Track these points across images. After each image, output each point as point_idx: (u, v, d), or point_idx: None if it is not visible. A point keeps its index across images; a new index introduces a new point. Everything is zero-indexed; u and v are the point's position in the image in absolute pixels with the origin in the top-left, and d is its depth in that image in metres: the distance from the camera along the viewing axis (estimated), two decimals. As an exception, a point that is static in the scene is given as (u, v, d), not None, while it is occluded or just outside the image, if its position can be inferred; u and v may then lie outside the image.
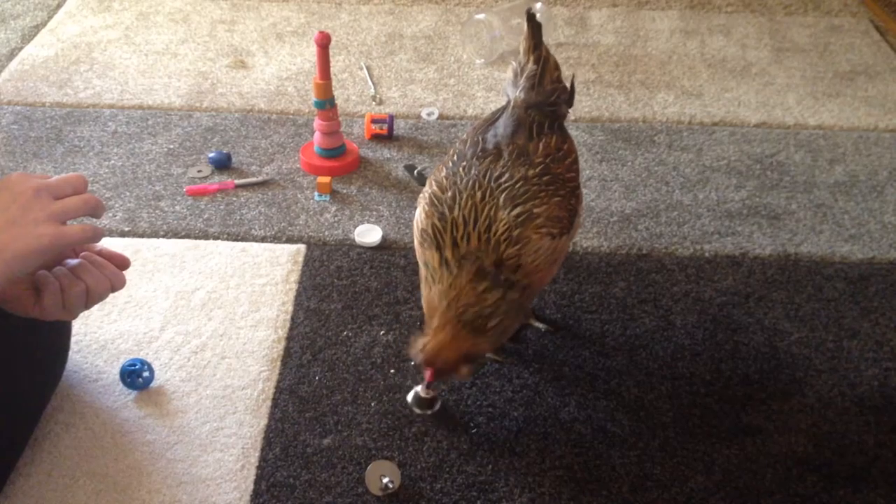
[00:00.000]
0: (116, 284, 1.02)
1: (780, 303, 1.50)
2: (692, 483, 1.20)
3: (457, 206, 1.15)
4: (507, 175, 1.18)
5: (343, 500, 1.15)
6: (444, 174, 1.21)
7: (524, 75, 1.31)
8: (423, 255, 1.19)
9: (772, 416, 1.29)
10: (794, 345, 1.42)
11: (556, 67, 1.35)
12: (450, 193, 1.17)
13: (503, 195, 1.15)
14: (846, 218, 1.71)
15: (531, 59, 1.32)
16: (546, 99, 1.30)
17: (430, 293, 1.16)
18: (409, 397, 1.28)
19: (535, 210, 1.16)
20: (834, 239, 1.65)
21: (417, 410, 1.27)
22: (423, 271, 1.19)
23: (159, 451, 1.21)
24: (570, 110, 1.37)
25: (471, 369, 1.18)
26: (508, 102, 1.31)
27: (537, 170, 1.19)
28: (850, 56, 2.30)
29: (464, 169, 1.20)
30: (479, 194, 1.16)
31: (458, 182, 1.18)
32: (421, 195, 1.24)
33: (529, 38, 1.33)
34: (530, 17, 1.34)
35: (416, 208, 1.24)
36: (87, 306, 1.00)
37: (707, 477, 1.20)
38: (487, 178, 1.17)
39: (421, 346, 1.16)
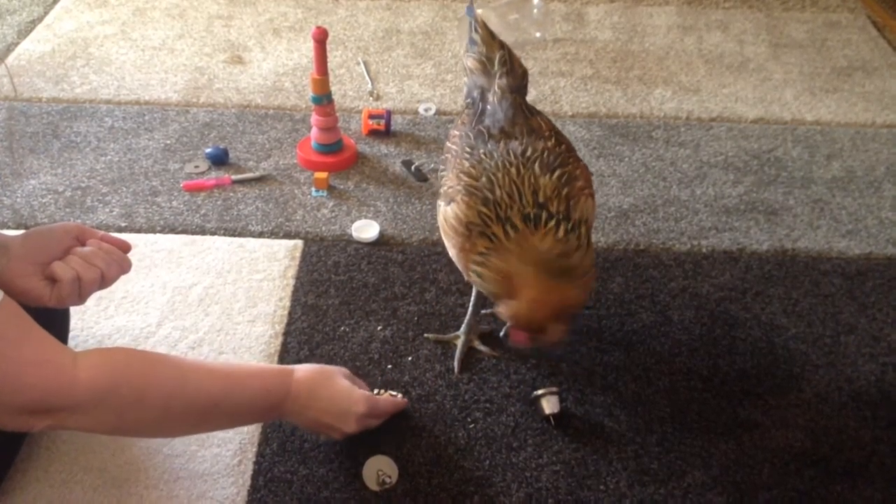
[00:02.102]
0: (125, 267, 1.10)
1: (778, 298, 1.50)
2: (690, 478, 1.20)
3: (497, 188, 1.14)
4: (530, 149, 1.17)
5: (340, 495, 1.15)
6: (468, 164, 1.19)
7: (497, 62, 1.31)
8: (468, 249, 1.16)
9: (769, 411, 1.30)
10: (792, 340, 1.42)
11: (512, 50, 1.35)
12: (484, 178, 1.15)
13: (536, 164, 1.15)
14: (843, 213, 1.71)
15: (495, 46, 1.32)
16: (521, 81, 1.31)
17: (495, 264, 1.13)
18: (546, 407, 1.26)
19: (575, 173, 1.17)
20: (831, 234, 1.65)
21: (547, 412, 1.26)
22: (466, 266, 1.18)
23: (156, 447, 1.20)
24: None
25: (564, 328, 1.16)
26: (487, 91, 1.29)
27: (553, 141, 1.20)
28: (847, 52, 2.30)
29: (485, 154, 1.18)
30: (513, 170, 1.15)
31: (488, 167, 1.16)
32: (450, 190, 1.20)
33: (483, 27, 1.33)
34: (473, 11, 1.35)
35: (446, 205, 1.20)
36: (100, 288, 1.07)
37: (704, 472, 1.21)
38: (513, 155, 1.17)
39: (511, 310, 1.13)
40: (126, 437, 1.20)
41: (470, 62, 1.34)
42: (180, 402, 1.02)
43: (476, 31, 1.33)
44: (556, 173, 1.15)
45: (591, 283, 1.17)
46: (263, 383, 1.11)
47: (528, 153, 1.16)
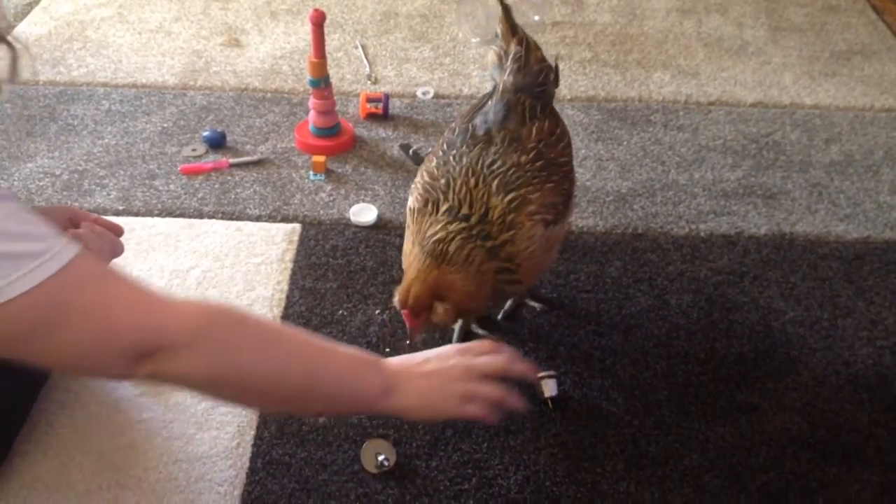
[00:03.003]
0: (118, 250, 1.10)
1: (775, 282, 1.50)
2: (687, 461, 1.20)
3: (451, 192, 1.15)
4: (499, 162, 1.17)
5: (339, 478, 1.16)
6: (434, 164, 1.20)
7: (510, 58, 1.29)
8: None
9: (766, 395, 1.30)
10: (789, 323, 1.42)
11: (537, 47, 1.33)
12: (443, 181, 1.17)
13: (496, 182, 1.15)
14: (841, 197, 1.71)
15: (513, 41, 1.31)
16: (534, 80, 1.28)
17: (404, 246, 1.18)
18: (544, 390, 1.27)
19: (529, 196, 1.16)
20: (829, 218, 1.65)
21: (545, 396, 1.26)
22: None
23: (155, 430, 1.21)
24: (555, 90, 1.35)
25: (448, 309, 1.15)
26: (496, 87, 1.29)
27: (530, 155, 1.19)
28: (846, 35, 2.29)
29: (454, 157, 1.19)
30: (472, 180, 1.15)
31: (451, 170, 1.17)
32: (413, 185, 1.23)
33: (505, 20, 1.32)
34: (502, 2, 1.34)
35: (410, 194, 1.23)
36: None
37: (702, 454, 1.21)
38: (480, 164, 1.17)
39: (398, 291, 1.17)
40: (125, 421, 1.20)
41: (490, 55, 1.34)
42: (278, 352, 0.97)
43: (500, 23, 1.33)
44: (510, 196, 1.15)
45: (481, 273, 1.16)
46: (356, 360, 1.03)
47: (495, 167, 1.17)
